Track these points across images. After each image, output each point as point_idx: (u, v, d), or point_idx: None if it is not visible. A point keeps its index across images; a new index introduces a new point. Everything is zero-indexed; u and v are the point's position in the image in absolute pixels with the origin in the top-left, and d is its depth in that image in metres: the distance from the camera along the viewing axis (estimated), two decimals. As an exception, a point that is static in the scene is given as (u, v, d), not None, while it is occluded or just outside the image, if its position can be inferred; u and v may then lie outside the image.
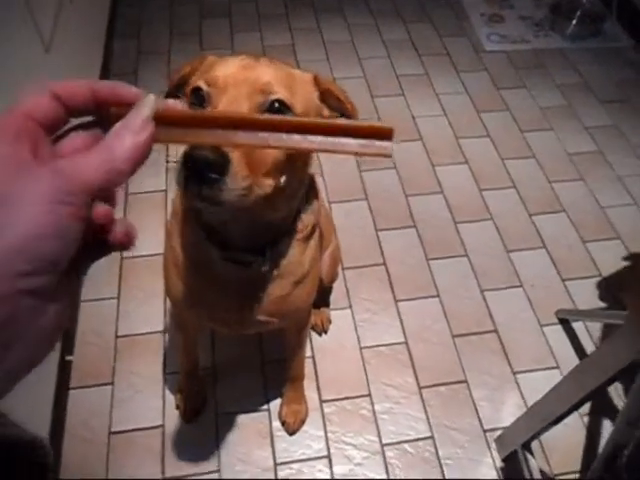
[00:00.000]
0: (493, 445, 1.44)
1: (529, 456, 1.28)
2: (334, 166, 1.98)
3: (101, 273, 1.69)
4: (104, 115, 0.34)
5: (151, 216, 1.83)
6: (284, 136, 0.34)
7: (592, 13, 2.63)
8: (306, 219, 0.90)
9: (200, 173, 0.54)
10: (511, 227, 1.91)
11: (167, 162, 1.84)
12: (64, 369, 1.50)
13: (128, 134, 0.31)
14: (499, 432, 1.45)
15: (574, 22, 2.60)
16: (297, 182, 0.78)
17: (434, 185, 2.01)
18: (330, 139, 0.34)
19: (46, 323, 0.28)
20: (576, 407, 1.09)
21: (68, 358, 1.54)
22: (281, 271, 0.89)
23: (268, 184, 0.65)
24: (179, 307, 1.07)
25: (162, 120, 0.33)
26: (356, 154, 0.35)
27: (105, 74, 2.16)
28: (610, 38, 2.64)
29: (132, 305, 1.64)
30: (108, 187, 0.30)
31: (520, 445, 1.29)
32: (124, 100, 0.33)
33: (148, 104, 0.32)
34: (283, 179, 0.69)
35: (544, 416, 1.19)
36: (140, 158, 0.31)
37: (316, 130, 0.34)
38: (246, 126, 0.34)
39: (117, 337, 1.58)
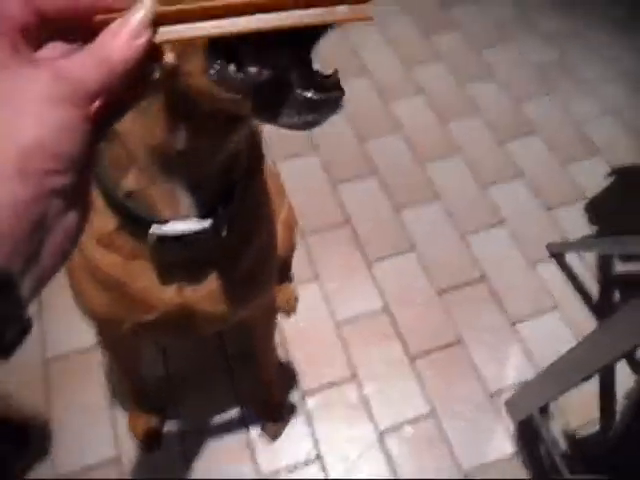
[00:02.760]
0: (503, 410, 1.27)
1: (548, 419, 1.11)
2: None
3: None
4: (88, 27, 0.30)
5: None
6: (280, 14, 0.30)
7: None
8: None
9: None
10: (482, 159, 1.69)
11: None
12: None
13: (124, 33, 0.29)
14: (507, 393, 1.28)
15: None
16: None
17: (390, 124, 1.76)
18: (313, 10, 0.31)
19: (69, 225, 0.30)
20: (600, 371, 0.90)
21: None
22: (237, 230, 0.64)
23: None
24: (108, 326, 0.81)
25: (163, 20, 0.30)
26: (341, 21, 0.31)
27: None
28: None
29: (57, 317, 1.36)
30: (106, 90, 0.29)
31: (537, 409, 1.11)
32: (111, 6, 0.30)
33: (146, 5, 0.29)
34: None
35: (561, 380, 1.01)
36: (137, 62, 0.29)
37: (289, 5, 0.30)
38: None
39: (46, 361, 1.31)
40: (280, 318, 1.38)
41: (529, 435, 1.22)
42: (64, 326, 1.34)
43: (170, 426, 1.22)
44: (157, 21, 0.30)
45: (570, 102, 1.83)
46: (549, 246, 1.50)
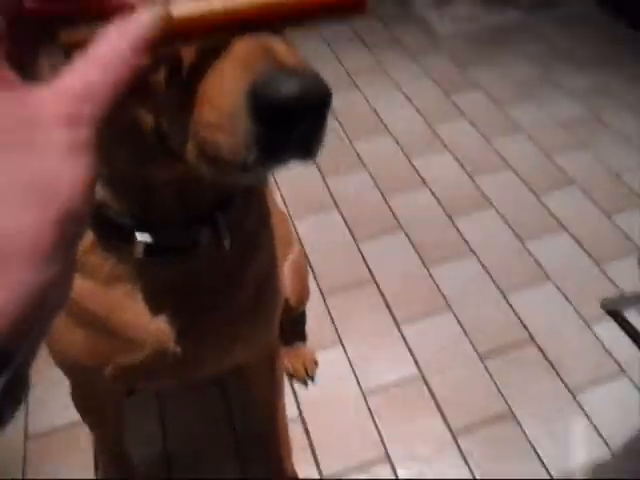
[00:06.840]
0: (572, 499, 1.03)
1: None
2: (291, 174, 1.61)
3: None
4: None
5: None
6: None
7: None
8: None
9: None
10: (518, 214, 1.55)
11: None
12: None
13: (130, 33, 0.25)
14: (575, 476, 1.05)
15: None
16: None
17: (415, 180, 1.65)
18: None
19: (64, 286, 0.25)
20: None
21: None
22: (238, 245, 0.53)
23: None
24: (84, 374, 0.66)
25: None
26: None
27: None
28: (572, 3, 2.42)
29: (45, 389, 1.19)
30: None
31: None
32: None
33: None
34: None
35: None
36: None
37: None
38: None
39: (26, 438, 1.12)
40: (297, 388, 1.19)
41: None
42: (50, 401, 1.17)
43: (164, 518, 1.01)
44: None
45: (604, 153, 1.72)
46: (604, 303, 1.32)
